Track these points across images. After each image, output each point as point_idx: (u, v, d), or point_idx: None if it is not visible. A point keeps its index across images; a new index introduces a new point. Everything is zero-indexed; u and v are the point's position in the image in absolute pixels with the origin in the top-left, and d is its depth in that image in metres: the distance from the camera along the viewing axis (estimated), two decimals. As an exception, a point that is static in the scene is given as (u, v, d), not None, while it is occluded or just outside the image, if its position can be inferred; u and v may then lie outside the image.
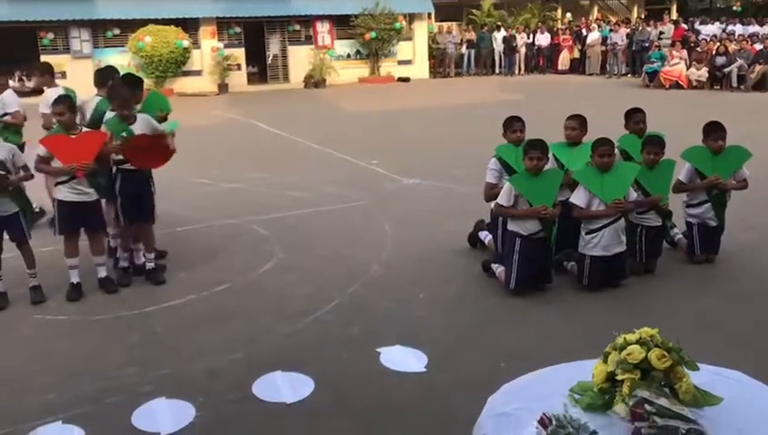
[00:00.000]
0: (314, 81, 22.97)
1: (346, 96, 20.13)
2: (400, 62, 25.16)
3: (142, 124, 5.63)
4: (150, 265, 5.84)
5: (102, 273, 5.60)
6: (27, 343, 4.80)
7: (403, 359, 4.33)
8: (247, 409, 3.85)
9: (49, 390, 4.08)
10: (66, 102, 5.40)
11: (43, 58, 20.70)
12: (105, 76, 6.28)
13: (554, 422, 1.96)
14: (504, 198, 5.28)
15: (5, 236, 5.35)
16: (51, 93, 6.81)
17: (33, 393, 4.05)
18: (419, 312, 5.08)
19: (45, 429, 3.68)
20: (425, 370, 4.21)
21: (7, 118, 7.14)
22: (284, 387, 4.03)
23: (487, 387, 2.78)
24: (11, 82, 19.68)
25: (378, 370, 4.23)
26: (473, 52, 25.54)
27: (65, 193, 5.37)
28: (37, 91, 8.02)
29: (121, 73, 6.50)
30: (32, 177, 5.46)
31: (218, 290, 5.59)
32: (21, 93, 7.94)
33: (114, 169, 5.65)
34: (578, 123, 5.85)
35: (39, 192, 6.91)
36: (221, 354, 4.48)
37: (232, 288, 5.64)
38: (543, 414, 2.00)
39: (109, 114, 5.70)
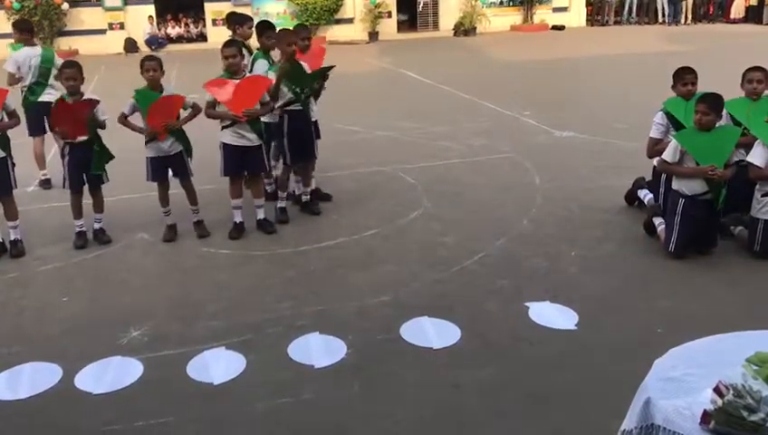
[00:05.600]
0: (464, 29, 22.60)
1: (497, 45, 19.64)
2: (555, 10, 24.15)
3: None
4: (306, 197, 6.15)
5: (261, 214, 5.86)
6: (195, 273, 5.17)
7: (553, 315, 4.25)
8: (395, 350, 3.94)
9: (214, 317, 4.39)
10: (237, 46, 5.64)
11: (207, 6, 21.83)
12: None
13: (731, 392, 1.83)
14: (668, 154, 4.99)
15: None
16: (23, 52, 6.98)
17: (200, 319, 4.37)
18: (571, 269, 4.94)
19: (211, 352, 3.96)
20: (575, 328, 4.11)
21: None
22: (432, 332, 4.08)
23: (642, 351, 2.67)
24: (147, 28, 20.72)
25: (526, 324, 4.18)
26: (635, -2, 24.06)
27: (229, 137, 5.61)
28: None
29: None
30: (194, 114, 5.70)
31: (368, 234, 5.72)
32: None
33: (280, 111, 5.84)
34: (764, 75, 5.33)
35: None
36: (371, 296, 4.61)
37: (381, 233, 5.75)
38: (720, 382, 1.88)
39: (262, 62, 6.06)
